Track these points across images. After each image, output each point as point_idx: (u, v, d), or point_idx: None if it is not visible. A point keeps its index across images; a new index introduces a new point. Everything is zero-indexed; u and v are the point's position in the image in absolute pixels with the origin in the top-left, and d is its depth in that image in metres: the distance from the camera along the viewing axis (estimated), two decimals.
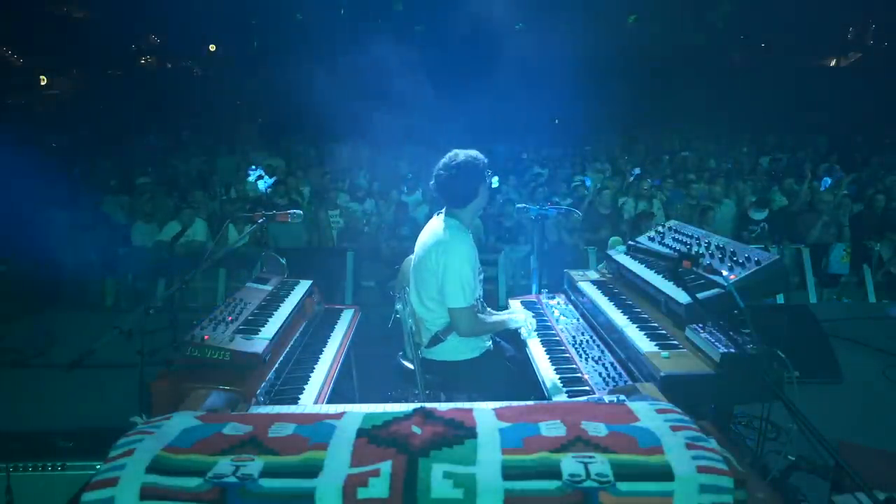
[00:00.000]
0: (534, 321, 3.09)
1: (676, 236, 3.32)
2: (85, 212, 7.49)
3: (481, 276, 2.94)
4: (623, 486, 1.21)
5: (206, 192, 8.07)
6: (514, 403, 1.62)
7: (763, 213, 7.12)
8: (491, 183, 2.86)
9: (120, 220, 7.47)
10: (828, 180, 8.86)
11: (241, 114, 15.00)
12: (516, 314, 3.06)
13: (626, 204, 7.66)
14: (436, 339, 2.86)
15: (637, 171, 9.25)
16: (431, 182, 2.81)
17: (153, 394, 2.26)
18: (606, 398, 1.79)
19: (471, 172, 2.72)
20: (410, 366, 2.89)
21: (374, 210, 7.63)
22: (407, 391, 3.11)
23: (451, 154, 2.76)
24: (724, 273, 2.60)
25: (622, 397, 1.78)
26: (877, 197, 7.42)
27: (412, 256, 2.96)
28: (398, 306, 2.91)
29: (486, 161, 2.79)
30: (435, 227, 2.81)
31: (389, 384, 3.33)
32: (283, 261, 3.62)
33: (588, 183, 8.78)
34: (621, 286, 3.28)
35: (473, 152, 2.77)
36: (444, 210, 2.85)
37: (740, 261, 2.70)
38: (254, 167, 9.54)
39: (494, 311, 3.16)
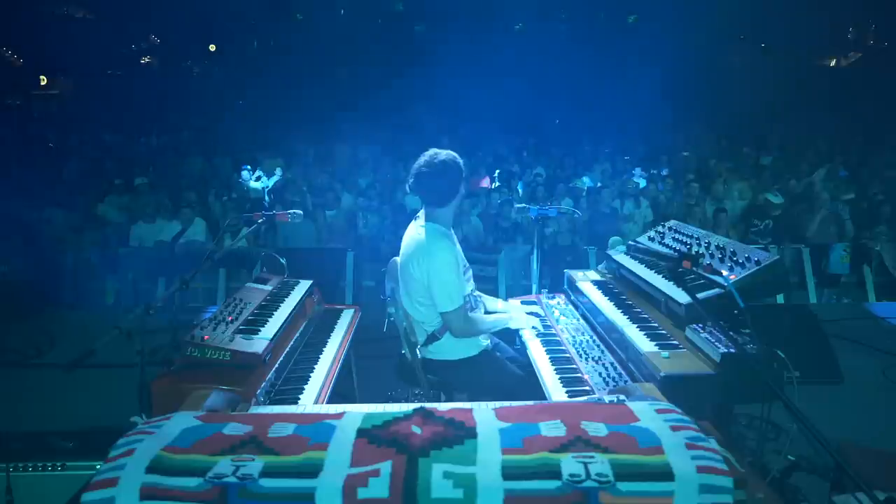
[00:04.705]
0: (539, 323, 3.08)
1: (676, 236, 3.32)
2: (84, 212, 7.49)
3: (468, 274, 2.93)
4: (623, 486, 1.21)
5: (203, 192, 8.07)
6: (514, 403, 1.62)
7: (780, 197, 7.14)
8: (468, 183, 2.86)
9: (119, 220, 7.47)
10: (821, 172, 8.85)
11: (242, 114, 14.99)
12: (518, 318, 3.05)
13: (632, 205, 7.66)
14: (432, 338, 2.87)
15: (664, 171, 9.25)
16: (410, 181, 2.77)
17: (153, 394, 2.26)
18: (606, 398, 1.79)
19: (452, 171, 2.71)
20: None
21: (367, 210, 7.61)
22: (407, 391, 3.11)
23: (430, 153, 2.73)
24: (724, 273, 2.60)
25: (622, 397, 1.78)
26: (877, 197, 7.43)
27: (397, 259, 2.95)
28: (391, 309, 2.91)
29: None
30: (413, 233, 2.80)
31: (389, 384, 3.33)
32: (283, 261, 3.62)
33: (589, 182, 8.78)
34: (621, 286, 3.27)
35: (452, 153, 2.76)
36: (422, 213, 2.83)
37: (740, 261, 2.70)
38: (248, 167, 9.54)
39: (493, 310, 3.16)
